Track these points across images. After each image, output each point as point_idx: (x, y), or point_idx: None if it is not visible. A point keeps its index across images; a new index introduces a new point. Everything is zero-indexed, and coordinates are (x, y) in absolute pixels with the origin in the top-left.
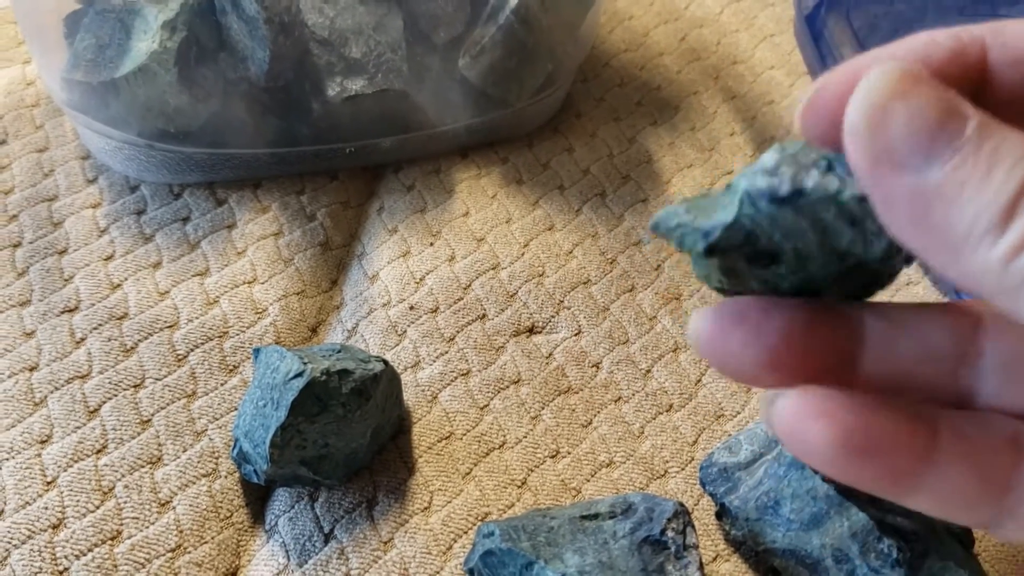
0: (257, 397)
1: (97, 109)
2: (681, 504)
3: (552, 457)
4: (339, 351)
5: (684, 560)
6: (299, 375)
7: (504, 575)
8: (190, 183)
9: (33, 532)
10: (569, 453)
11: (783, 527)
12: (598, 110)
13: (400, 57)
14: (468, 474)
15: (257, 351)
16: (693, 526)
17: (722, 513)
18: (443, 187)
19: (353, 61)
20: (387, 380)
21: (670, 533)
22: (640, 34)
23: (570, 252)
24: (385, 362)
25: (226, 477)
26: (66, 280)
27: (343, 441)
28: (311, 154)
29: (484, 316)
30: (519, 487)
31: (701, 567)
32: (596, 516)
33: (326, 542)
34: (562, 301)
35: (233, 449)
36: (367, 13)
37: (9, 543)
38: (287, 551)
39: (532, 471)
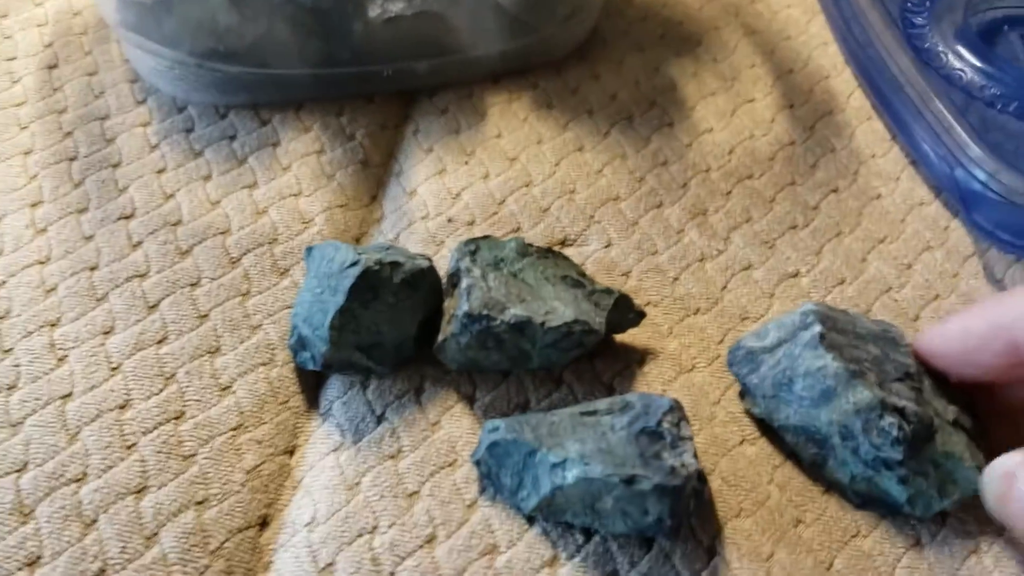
0: (314, 286)
1: (150, 28)
2: (676, 400)
3: (588, 358)
4: (388, 248)
5: (679, 449)
6: (354, 263)
7: (508, 464)
8: (235, 104)
9: (101, 411)
10: (600, 352)
11: (795, 403)
12: (624, 41)
13: None
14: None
15: (310, 249)
16: (687, 420)
17: (744, 392)
18: (476, 110)
19: None
20: (432, 276)
21: (666, 425)
22: None
23: (600, 171)
24: (430, 260)
25: (282, 366)
26: (121, 190)
27: (394, 330)
28: (351, 76)
29: (518, 229)
30: (556, 383)
31: (695, 455)
32: (595, 412)
33: (378, 423)
34: (592, 216)
35: (291, 337)
36: None
37: (80, 420)
38: (342, 431)
39: (566, 368)
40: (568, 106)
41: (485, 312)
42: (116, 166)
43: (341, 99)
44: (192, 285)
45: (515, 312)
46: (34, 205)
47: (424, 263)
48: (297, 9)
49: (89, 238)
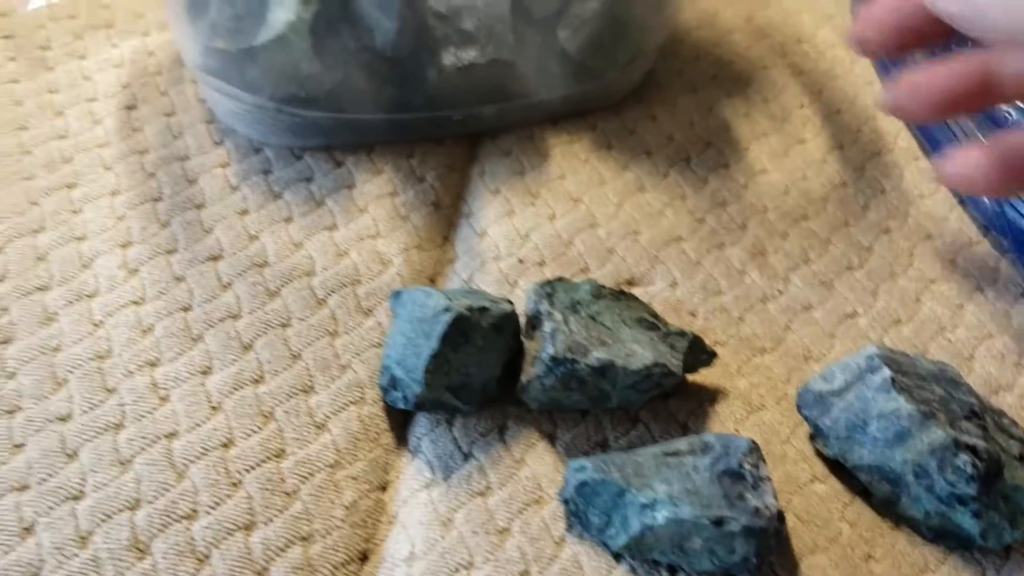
0: (407, 330)
1: (232, 74)
2: (753, 441)
3: (663, 397)
4: (472, 292)
5: (760, 489)
6: (447, 310)
7: (597, 503)
8: (310, 147)
9: (207, 449)
10: (674, 391)
11: (869, 444)
12: (678, 82)
13: (506, 29)
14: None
15: (398, 293)
16: (765, 460)
17: (816, 434)
18: (538, 152)
19: (466, 33)
20: (514, 319)
21: (746, 466)
22: (711, 14)
23: (661, 212)
24: (512, 304)
25: (372, 404)
26: (206, 231)
27: (481, 371)
28: (422, 121)
29: (586, 269)
30: (632, 422)
31: (775, 496)
32: (677, 453)
33: (466, 460)
34: (657, 256)
35: (382, 378)
36: None
37: (187, 458)
38: (432, 468)
39: (642, 407)
40: (627, 147)
41: (569, 355)
42: (200, 207)
43: (411, 142)
44: (283, 325)
45: (598, 355)
46: (124, 246)
47: (508, 307)
48: (375, 57)
49: (180, 279)
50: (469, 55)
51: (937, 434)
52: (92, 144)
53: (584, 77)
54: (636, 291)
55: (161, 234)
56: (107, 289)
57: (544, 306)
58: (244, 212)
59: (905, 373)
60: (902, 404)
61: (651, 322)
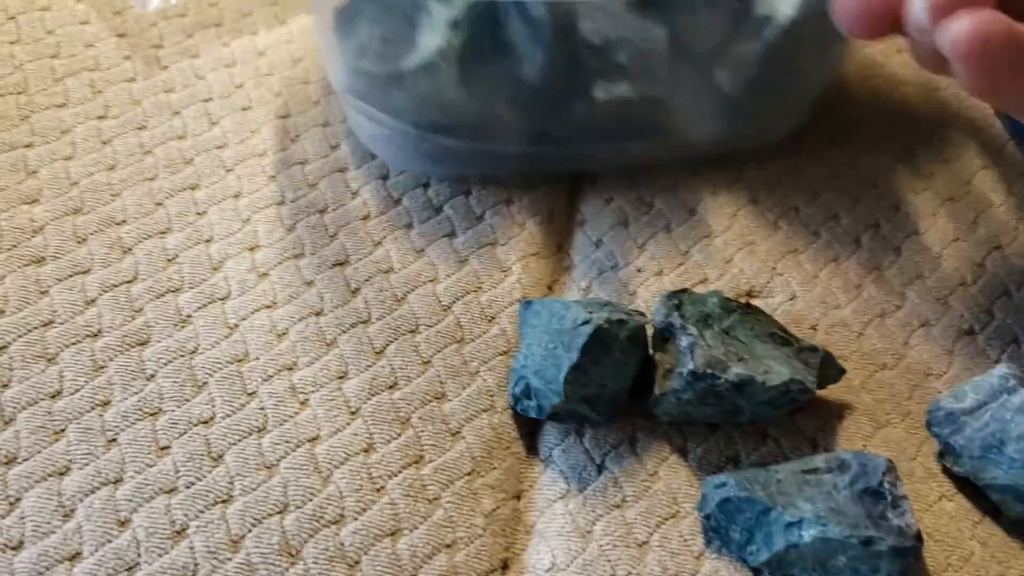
0: (546, 341)
1: (377, 98)
2: (890, 460)
3: (791, 413)
4: (606, 304)
5: (900, 508)
6: (586, 322)
7: (739, 519)
8: (444, 176)
9: (349, 455)
10: (801, 406)
11: (1006, 465)
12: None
13: (660, 64)
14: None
15: (528, 302)
16: (900, 479)
17: (945, 452)
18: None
19: (618, 66)
20: (645, 332)
21: (886, 485)
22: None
23: (775, 223)
24: (645, 315)
25: (501, 412)
26: (331, 236)
27: (615, 382)
28: (561, 154)
29: (705, 280)
30: (762, 437)
31: (912, 515)
32: (816, 471)
33: (599, 472)
34: (775, 267)
35: (514, 386)
36: (633, 21)
37: (331, 463)
38: (566, 478)
39: (770, 423)
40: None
41: (709, 371)
42: (323, 212)
43: (545, 173)
44: (412, 331)
45: (737, 371)
46: (252, 249)
47: (642, 320)
48: (522, 87)
49: (310, 283)
50: (620, 89)
51: None
52: (211, 145)
53: (737, 119)
54: (756, 303)
55: (287, 238)
56: (239, 293)
57: (676, 319)
58: (365, 217)
59: None
60: None
61: (783, 337)
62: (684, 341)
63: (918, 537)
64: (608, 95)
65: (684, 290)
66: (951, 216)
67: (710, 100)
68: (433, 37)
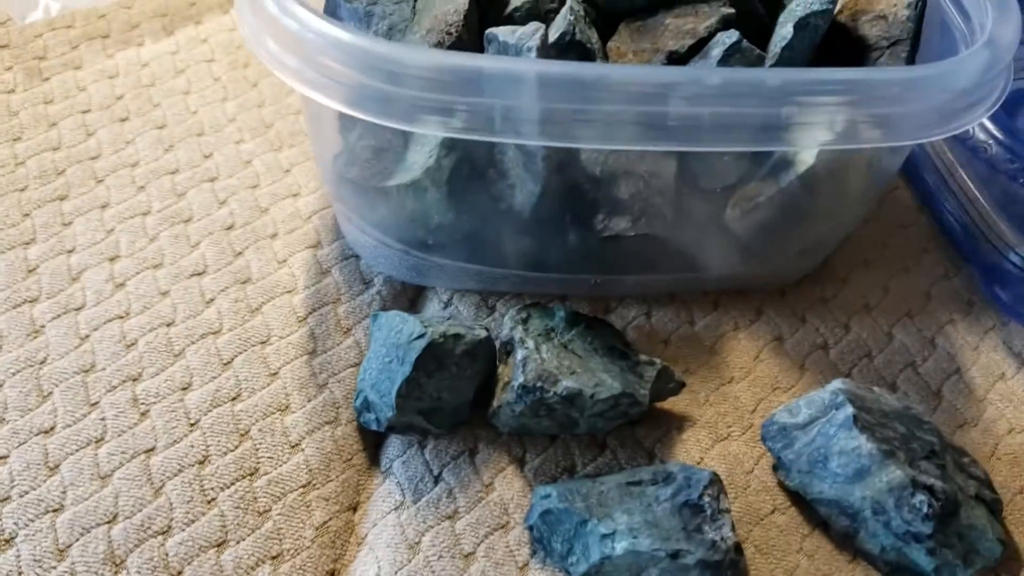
0: (383, 354)
1: (362, 208)
2: (715, 473)
3: (630, 424)
4: (448, 319)
5: (719, 522)
6: (421, 336)
7: (560, 530)
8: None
9: (182, 467)
10: (641, 418)
11: (830, 479)
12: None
13: (666, 202)
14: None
15: (376, 316)
16: (726, 493)
17: (778, 466)
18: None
19: (619, 201)
20: (488, 345)
21: (707, 498)
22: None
23: None
24: (487, 330)
25: (346, 425)
26: (192, 247)
27: (453, 396)
28: (553, 280)
29: (566, 298)
30: (600, 447)
31: (733, 528)
32: (640, 483)
33: (436, 483)
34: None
35: (356, 399)
36: (642, 154)
37: (164, 475)
38: (402, 490)
39: (609, 433)
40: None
41: (539, 384)
42: (187, 221)
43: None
44: (263, 343)
45: (567, 384)
46: (112, 259)
47: (482, 333)
48: (514, 214)
49: (165, 293)
50: (619, 225)
51: (896, 473)
52: (84, 156)
53: (748, 260)
54: (611, 317)
55: (149, 248)
56: (94, 303)
57: (519, 332)
58: (230, 227)
59: (869, 410)
60: (863, 442)
61: (622, 350)
62: (519, 354)
63: (737, 550)
64: (605, 230)
65: (537, 303)
66: None
67: (718, 239)
68: (423, 155)
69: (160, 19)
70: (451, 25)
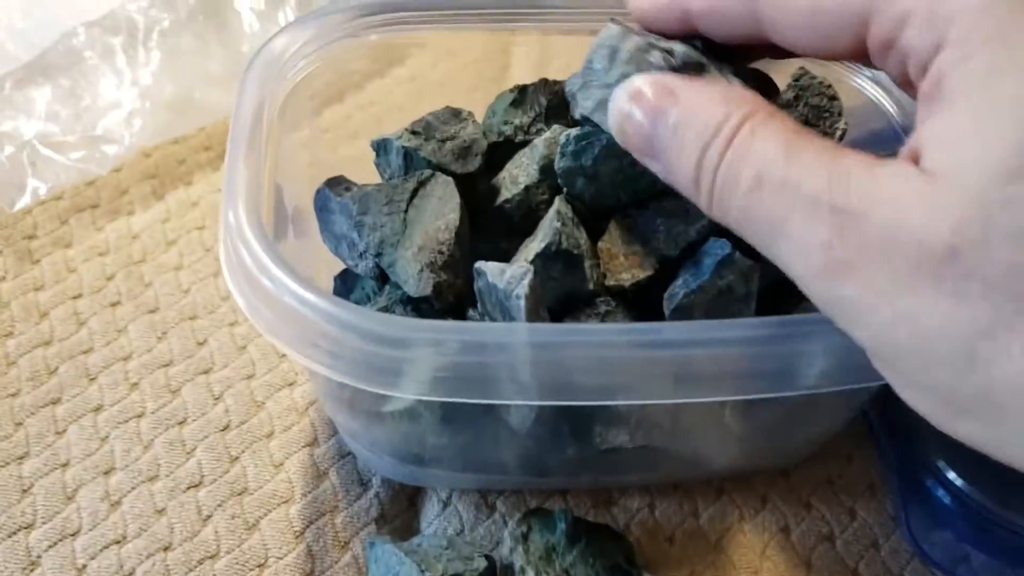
0: None
1: (357, 427)
2: None
3: None
4: (447, 547)
5: None
6: None
7: None
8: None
9: None
10: None
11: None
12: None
13: (664, 413)
14: None
15: (373, 544)
16: None
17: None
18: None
19: (615, 414)
20: (493, 570)
21: None
22: None
23: None
24: (488, 558)
25: None
26: (188, 454)
27: None
28: (558, 483)
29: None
30: None
31: None
32: None
33: None
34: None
35: None
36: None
37: None
38: None
39: None
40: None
41: None
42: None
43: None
44: (259, 566)
45: None
46: (107, 473)
47: (482, 564)
48: (511, 433)
49: (161, 511)
50: (617, 439)
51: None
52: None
53: (752, 456)
54: (615, 510)
55: (144, 458)
56: (89, 527)
57: (519, 558)
58: (225, 428)
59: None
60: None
61: (626, 570)
62: None
63: None
64: (603, 443)
65: (538, 509)
66: None
67: (721, 442)
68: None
69: (150, 181)
70: (442, 244)
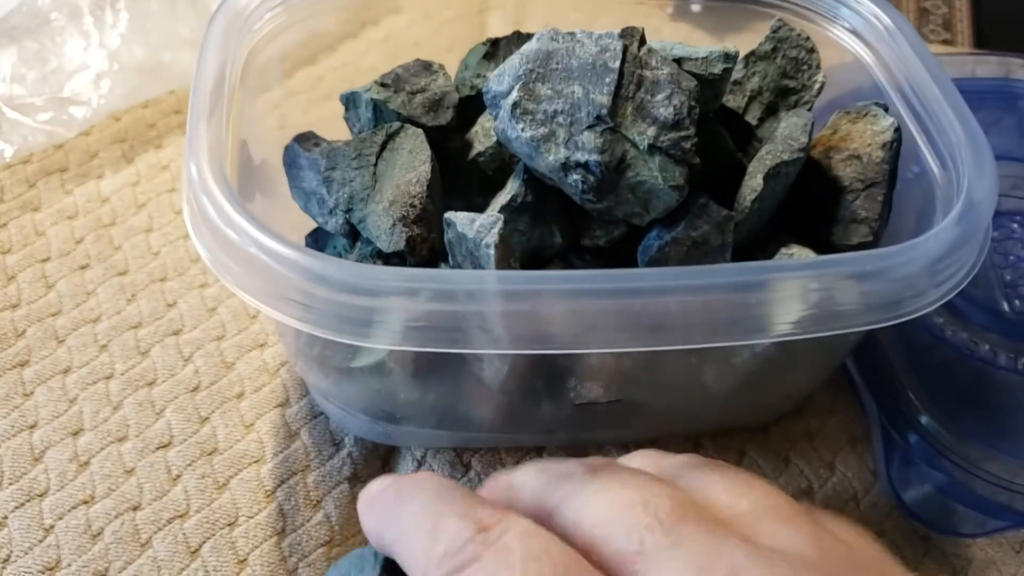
0: None
1: (328, 384)
2: None
3: None
4: None
5: None
6: None
7: None
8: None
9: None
10: None
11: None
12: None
13: (639, 366)
14: None
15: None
16: None
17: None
18: None
19: (589, 367)
20: None
21: None
22: None
23: None
24: None
25: None
26: (158, 414)
27: None
28: (531, 439)
29: None
30: None
31: None
32: None
33: None
34: None
35: None
36: None
37: None
38: None
39: None
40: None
41: None
42: (151, 383)
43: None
44: (230, 525)
45: None
46: (76, 434)
47: None
48: (485, 388)
49: (130, 471)
50: (592, 392)
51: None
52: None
53: (728, 414)
54: None
55: (113, 419)
56: (57, 487)
57: None
58: (195, 389)
59: (550, 75)
60: (520, 134)
61: None
62: None
63: None
64: (577, 398)
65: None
66: None
67: (696, 396)
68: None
69: (119, 145)
70: (414, 197)
